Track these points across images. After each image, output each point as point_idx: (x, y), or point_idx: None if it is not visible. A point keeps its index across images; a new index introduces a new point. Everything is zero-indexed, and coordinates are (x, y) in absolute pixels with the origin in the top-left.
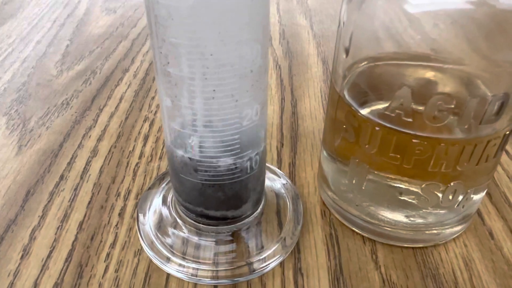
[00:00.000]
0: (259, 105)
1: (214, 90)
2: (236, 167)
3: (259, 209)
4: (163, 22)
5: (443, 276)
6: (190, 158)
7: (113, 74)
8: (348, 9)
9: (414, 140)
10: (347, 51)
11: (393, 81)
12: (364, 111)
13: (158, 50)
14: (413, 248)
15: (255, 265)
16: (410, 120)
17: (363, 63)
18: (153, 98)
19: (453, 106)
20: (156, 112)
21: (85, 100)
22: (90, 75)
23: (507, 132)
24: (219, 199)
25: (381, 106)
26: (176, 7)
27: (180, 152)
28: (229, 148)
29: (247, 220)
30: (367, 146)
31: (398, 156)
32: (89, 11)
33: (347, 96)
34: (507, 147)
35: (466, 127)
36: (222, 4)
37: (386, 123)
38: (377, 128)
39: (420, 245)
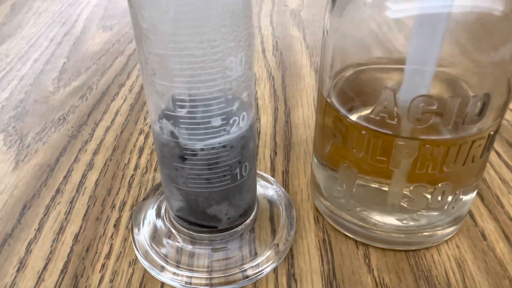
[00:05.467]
0: (246, 112)
1: (201, 98)
2: (225, 175)
3: (252, 216)
4: (148, 34)
5: (436, 278)
6: (181, 166)
7: (109, 89)
8: (330, 18)
9: (399, 142)
10: (332, 59)
11: (377, 85)
12: (351, 116)
13: (144, 61)
14: (405, 251)
15: (249, 272)
16: (394, 122)
17: (347, 69)
18: (148, 111)
19: (435, 107)
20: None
21: (81, 115)
22: (86, 90)
23: (492, 132)
24: (209, 207)
25: (366, 110)
26: (159, 18)
27: (170, 161)
28: (217, 155)
29: (240, 227)
30: (354, 150)
31: (385, 158)
32: (86, 29)
33: (333, 102)
34: (498, 149)
35: (449, 127)
36: (204, 14)
37: (372, 126)
38: (363, 132)
39: (413, 248)
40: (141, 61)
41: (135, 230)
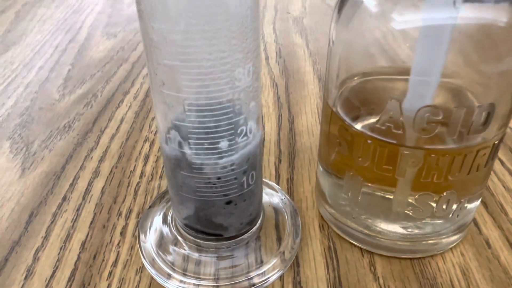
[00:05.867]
0: (253, 122)
1: (210, 109)
2: (232, 183)
3: (257, 224)
4: (158, 45)
5: (441, 286)
6: (189, 176)
7: (114, 97)
8: (336, 28)
9: (405, 152)
10: (337, 68)
11: (383, 95)
12: (356, 125)
13: (153, 72)
14: (411, 259)
15: (255, 280)
16: (400, 132)
17: (353, 79)
18: (153, 118)
19: (440, 117)
20: (156, 132)
21: (86, 123)
22: (91, 98)
23: (496, 142)
24: (216, 216)
25: (372, 119)
26: (169, 30)
27: (178, 170)
28: (224, 164)
29: (246, 235)
30: (360, 159)
31: (391, 167)
32: (90, 36)
33: (339, 111)
34: (502, 157)
35: (455, 137)
36: (213, 26)
37: (377, 135)
38: (369, 141)
39: (418, 256)
40: (150, 71)
41: (142, 238)
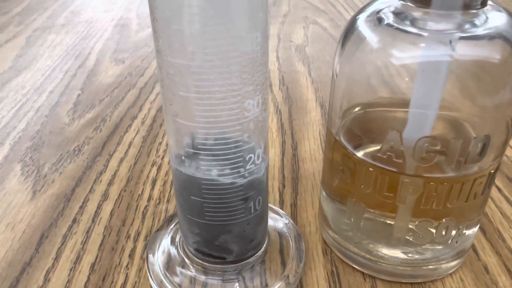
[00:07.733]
0: (261, 150)
1: (220, 137)
2: (240, 208)
3: (263, 248)
4: (174, 78)
5: None
6: (198, 201)
7: (122, 121)
8: (340, 61)
9: (405, 180)
10: (341, 100)
11: (384, 126)
12: (359, 153)
13: (168, 102)
14: (411, 283)
15: None
16: (400, 161)
17: (356, 109)
18: (160, 143)
19: (439, 147)
20: (163, 156)
21: (96, 147)
22: (100, 122)
23: (492, 171)
24: (224, 239)
25: (373, 148)
26: (185, 65)
27: (188, 195)
28: (233, 190)
29: (251, 259)
30: (362, 186)
31: (392, 194)
32: (99, 62)
33: (342, 140)
34: (499, 184)
35: (452, 166)
36: (226, 61)
37: (379, 164)
38: (371, 169)
39: (418, 281)
40: (165, 102)
41: (150, 260)
